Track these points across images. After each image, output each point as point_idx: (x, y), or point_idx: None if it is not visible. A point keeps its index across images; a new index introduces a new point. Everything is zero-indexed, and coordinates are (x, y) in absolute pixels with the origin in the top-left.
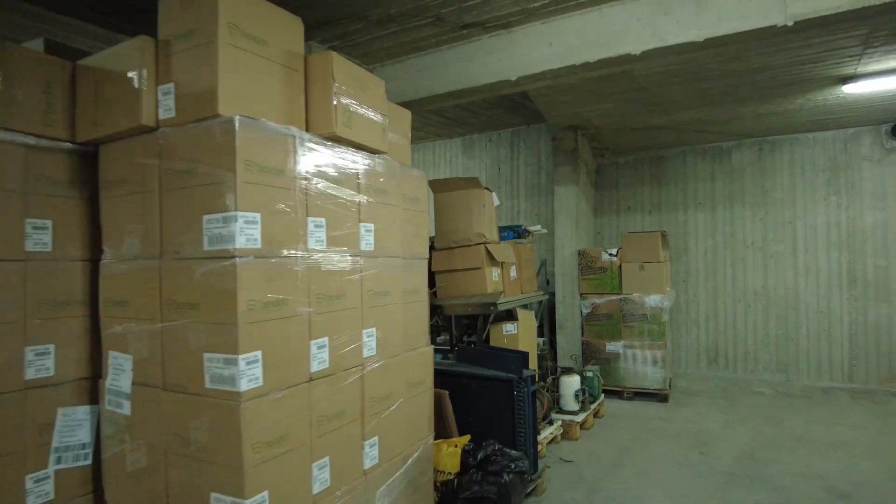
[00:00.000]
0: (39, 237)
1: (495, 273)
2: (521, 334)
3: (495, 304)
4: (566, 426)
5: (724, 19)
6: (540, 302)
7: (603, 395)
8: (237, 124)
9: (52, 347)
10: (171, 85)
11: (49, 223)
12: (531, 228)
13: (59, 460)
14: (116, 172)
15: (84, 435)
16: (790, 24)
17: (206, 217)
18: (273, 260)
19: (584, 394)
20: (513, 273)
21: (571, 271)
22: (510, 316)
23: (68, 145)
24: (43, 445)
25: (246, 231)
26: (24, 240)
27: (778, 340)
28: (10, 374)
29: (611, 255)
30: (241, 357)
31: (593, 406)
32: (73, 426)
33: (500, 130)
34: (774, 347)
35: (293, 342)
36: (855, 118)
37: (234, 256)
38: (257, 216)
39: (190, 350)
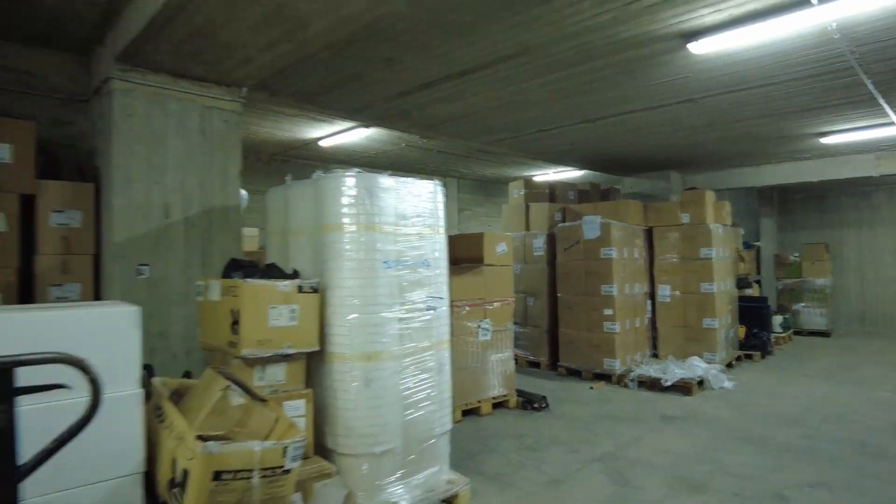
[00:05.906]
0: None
1: (741, 266)
2: (754, 292)
3: (746, 278)
4: (776, 339)
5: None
6: (758, 280)
7: (791, 331)
8: (712, 227)
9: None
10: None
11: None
12: (754, 244)
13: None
14: (662, 236)
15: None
16: (877, 175)
17: (701, 249)
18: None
19: (785, 323)
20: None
21: (770, 265)
22: (749, 285)
23: (643, 227)
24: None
25: (712, 249)
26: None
27: None
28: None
29: (795, 256)
30: (714, 283)
31: (787, 332)
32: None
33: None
34: None
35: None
36: None
37: (711, 259)
38: (715, 248)
39: (696, 283)
